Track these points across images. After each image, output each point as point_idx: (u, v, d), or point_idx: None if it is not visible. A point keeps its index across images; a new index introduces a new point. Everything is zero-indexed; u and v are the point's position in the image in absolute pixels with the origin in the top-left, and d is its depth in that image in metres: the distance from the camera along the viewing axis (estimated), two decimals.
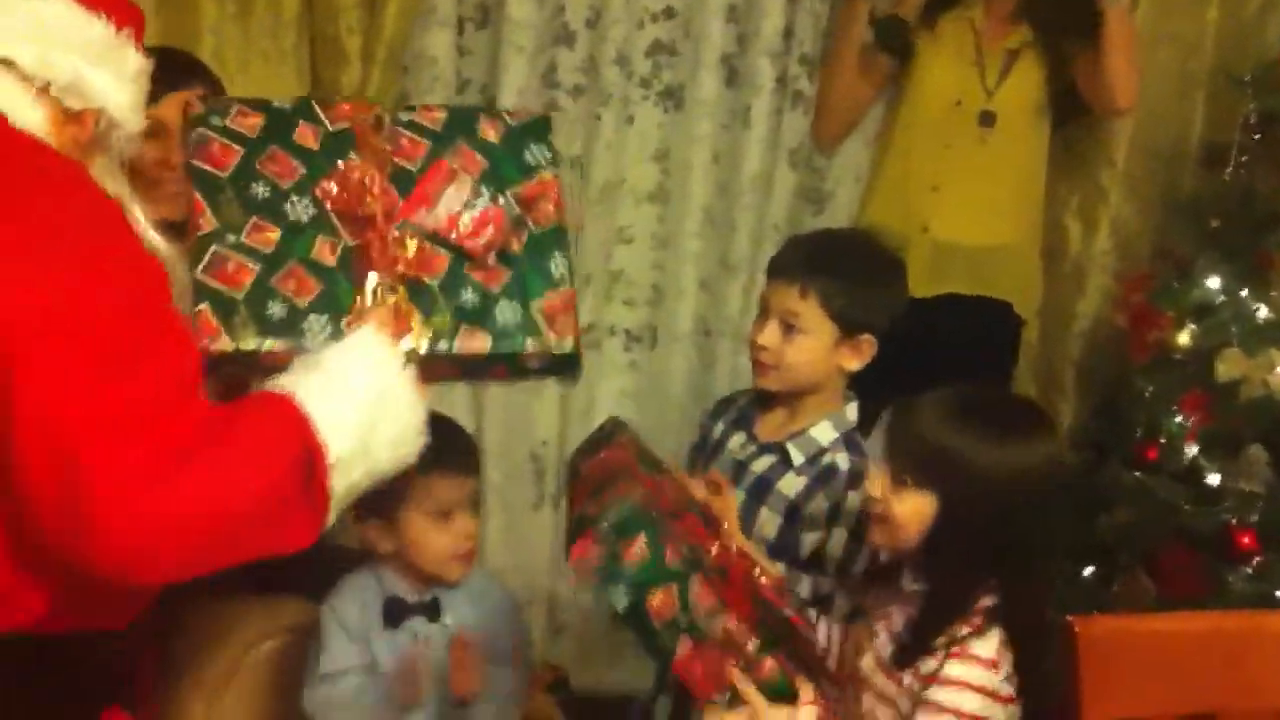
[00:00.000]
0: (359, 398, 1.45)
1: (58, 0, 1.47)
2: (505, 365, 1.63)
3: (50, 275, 1.32)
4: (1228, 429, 2.72)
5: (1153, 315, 2.86)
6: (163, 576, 1.34)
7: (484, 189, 1.61)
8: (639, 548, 1.58)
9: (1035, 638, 1.68)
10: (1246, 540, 2.62)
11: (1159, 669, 1.73)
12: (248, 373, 1.51)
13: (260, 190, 1.58)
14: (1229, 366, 2.73)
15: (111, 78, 1.50)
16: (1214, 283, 2.81)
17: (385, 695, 1.82)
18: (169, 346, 1.37)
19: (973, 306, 2.95)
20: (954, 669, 1.64)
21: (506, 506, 3.05)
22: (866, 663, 1.76)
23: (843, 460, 2.02)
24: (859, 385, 2.09)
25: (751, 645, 1.61)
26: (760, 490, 2.05)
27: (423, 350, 1.55)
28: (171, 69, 2.04)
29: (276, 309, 1.53)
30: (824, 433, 2.04)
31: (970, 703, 1.63)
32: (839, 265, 2.01)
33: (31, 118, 1.46)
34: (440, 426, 1.90)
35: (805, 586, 2.00)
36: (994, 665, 1.64)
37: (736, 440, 2.12)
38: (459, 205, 1.59)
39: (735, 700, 1.62)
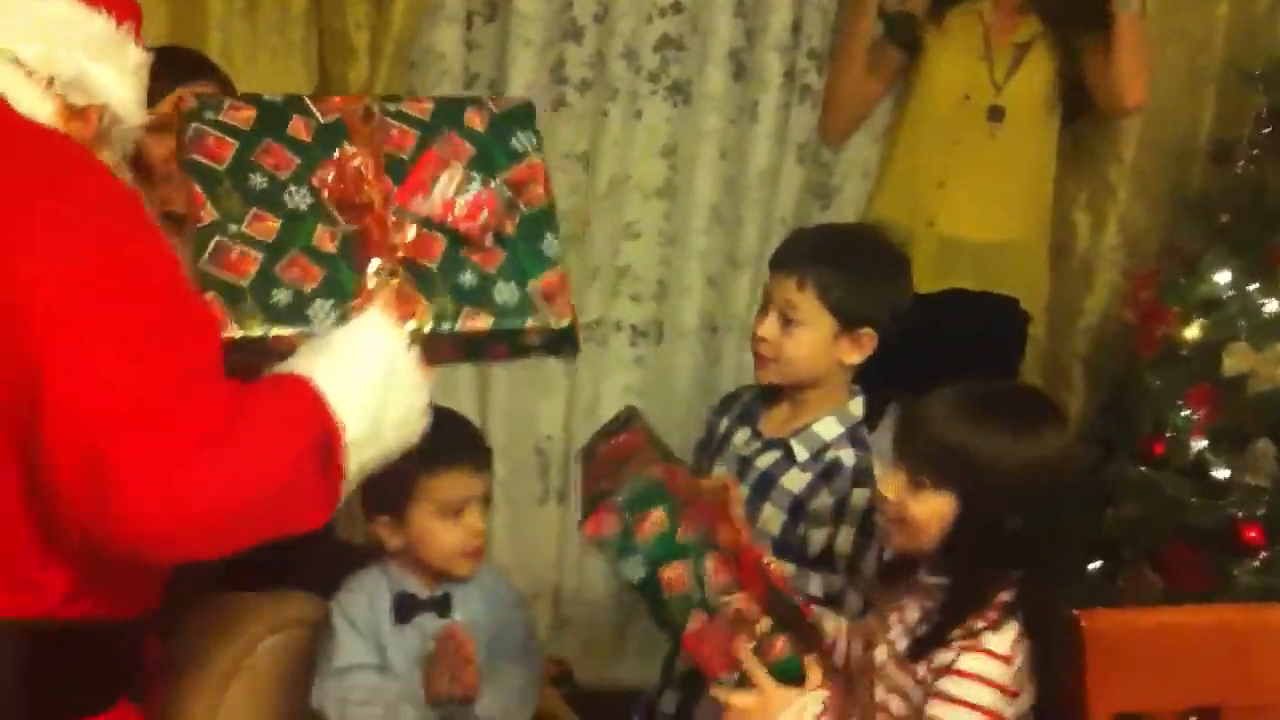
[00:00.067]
0: (370, 379, 1.47)
1: None
2: (506, 344, 1.65)
3: (76, 259, 1.33)
4: (1235, 423, 2.72)
5: (1160, 310, 2.86)
6: (189, 556, 1.36)
7: (475, 175, 1.64)
8: (655, 520, 1.60)
9: (1050, 631, 1.68)
10: (1253, 534, 2.62)
11: (1165, 663, 1.73)
12: (256, 359, 1.52)
13: (258, 181, 1.59)
14: (1236, 361, 2.73)
15: (113, 73, 1.51)
16: (1222, 277, 2.81)
17: (402, 690, 1.82)
18: (192, 328, 1.39)
19: (979, 302, 2.95)
20: (969, 662, 1.64)
21: (511, 501, 3.05)
22: (879, 654, 1.77)
23: (847, 456, 2.02)
24: (865, 380, 2.09)
25: (763, 625, 1.62)
26: (764, 486, 2.05)
27: (426, 331, 1.57)
28: (179, 65, 2.06)
29: (282, 296, 1.54)
30: (828, 428, 2.04)
31: (984, 696, 1.63)
32: (837, 257, 2.01)
33: (41, 112, 1.46)
34: (453, 423, 1.91)
35: (816, 585, 2.00)
36: (1008, 660, 1.65)
37: (741, 436, 2.13)
38: (452, 191, 1.62)
39: (743, 681, 1.63)
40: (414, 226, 1.60)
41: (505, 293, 1.61)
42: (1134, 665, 1.72)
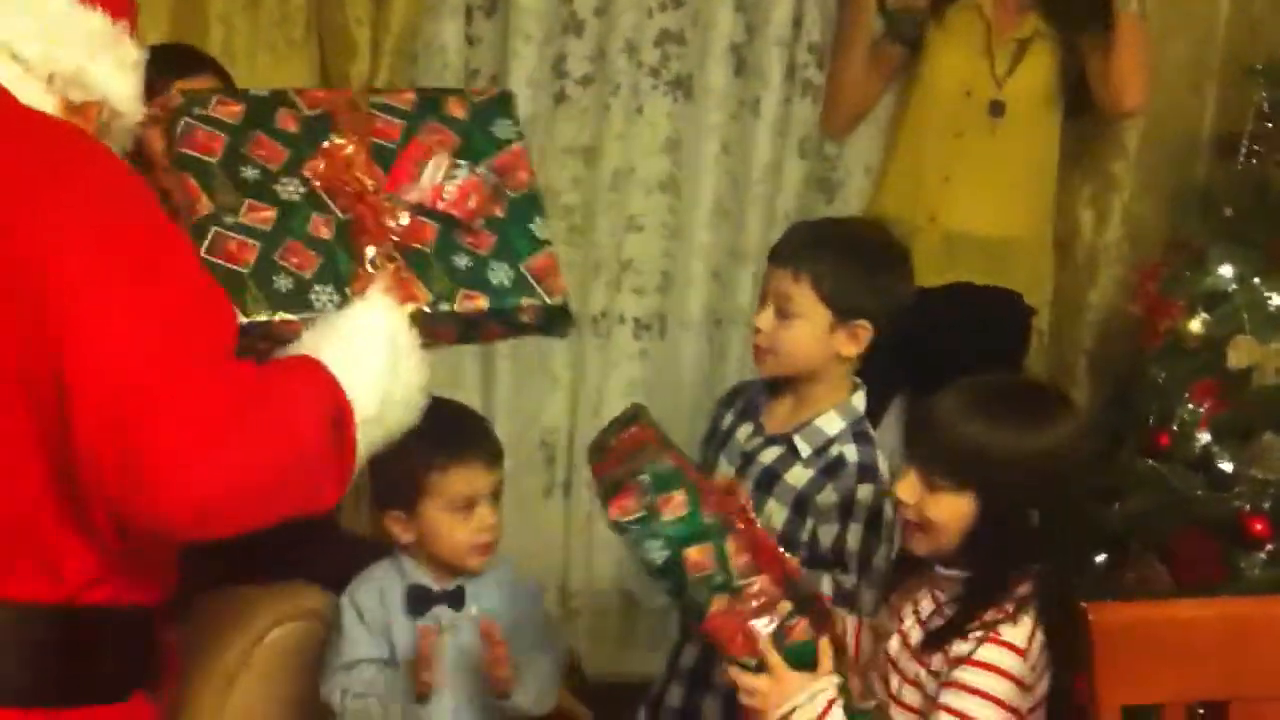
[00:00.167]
0: (375, 360, 1.50)
1: None
2: (502, 323, 1.69)
3: (99, 239, 1.35)
4: (1240, 416, 2.72)
5: (1164, 304, 2.86)
6: (214, 533, 1.37)
7: (460, 161, 1.68)
8: (678, 502, 1.62)
9: (1066, 622, 1.68)
10: (1259, 527, 2.62)
11: (1172, 655, 1.73)
12: (263, 343, 1.54)
13: (250, 173, 1.62)
14: (1241, 354, 2.73)
15: (112, 69, 1.52)
16: (1226, 271, 2.81)
17: (403, 685, 1.82)
18: (210, 308, 1.42)
19: (983, 296, 2.94)
20: (986, 653, 1.64)
21: (516, 494, 3.04)
22: (893, 645, 1.76)
23: (850, 452, 2.01)
24: (869, 374, 2.09)
25: (784, 607, 1.63)
26: (767, 481, 2.04)
27: (427, 312, 1.60)
28: (180, 61, 2.08)
29: (283, 282, 1.57)
30: (830, 423, 2.04)
31: (999, 687, 1.63)
32: (832, 250, 2.01)
33: (42, 108, 1.48)
34: (465, 418, 1.92)
35: (826, 585, 2.00)
36: (1024, 653, 1.64)
37: (744, 431, 2.12)
38: (440, 177, 1.66)
39: (760, 666, 1.64)
40: (406, 213, 1.64)
41: (499, 273, 1.65)
42: (1141, 658, 1.71)
